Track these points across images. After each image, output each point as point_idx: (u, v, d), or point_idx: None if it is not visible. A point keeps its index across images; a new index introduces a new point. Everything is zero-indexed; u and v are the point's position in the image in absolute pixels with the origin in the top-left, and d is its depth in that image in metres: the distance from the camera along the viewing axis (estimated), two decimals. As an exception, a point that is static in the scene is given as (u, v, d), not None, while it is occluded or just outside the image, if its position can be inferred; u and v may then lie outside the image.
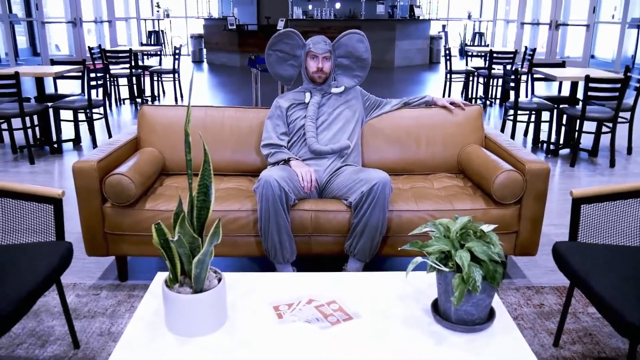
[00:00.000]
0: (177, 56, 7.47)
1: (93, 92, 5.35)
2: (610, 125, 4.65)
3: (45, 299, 2.44)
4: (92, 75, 5.00)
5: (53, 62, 5.55)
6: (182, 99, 7.85)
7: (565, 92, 5.66)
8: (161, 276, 1.80)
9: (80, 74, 5.31)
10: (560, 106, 5.02)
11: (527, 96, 5.46)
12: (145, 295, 1.69)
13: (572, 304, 2.43)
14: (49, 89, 5.93)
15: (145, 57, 11.89)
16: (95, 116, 5.63)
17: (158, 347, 1.43)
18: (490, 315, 1.53)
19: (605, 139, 5.31)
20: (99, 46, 7.19)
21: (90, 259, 2.86)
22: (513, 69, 5.24)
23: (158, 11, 15.13)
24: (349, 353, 1.42)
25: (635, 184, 2.09)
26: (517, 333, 1.50)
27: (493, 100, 7.66)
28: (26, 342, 2.13)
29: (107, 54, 7.05)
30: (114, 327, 2.23)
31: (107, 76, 5.26)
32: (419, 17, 12.87)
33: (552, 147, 5.08)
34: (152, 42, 12.95)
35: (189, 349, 1.43)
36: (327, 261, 2.81)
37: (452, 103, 2.99)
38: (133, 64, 7.17)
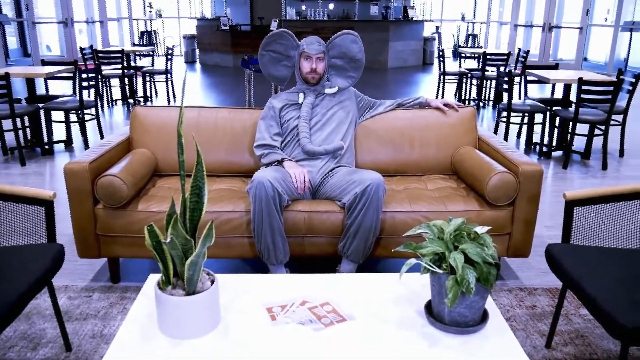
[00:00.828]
0: (169, 56, 7.44)
1: (85, 92, 5.32)
2: (603, 127, 4.68)
3: (37, 302, 2.42)
4: (84, 75, 4.97)
5: (44, 63, 5.51)
6: (174, 100, 7.82)
7: (558, 94, 5.69)
8: (154, 278, 1.78)
9: (71, 74, 5.28)
10: (553, 108, 5.05)
11: (520, 98, 5.49)
12: (137, 297, 1.68)
13: (564, 305, 2.44)
14: (40, 90, 5.89)
15: (137, 57, 11.84)
16: (87, 117, 5.60)
17: (151, 350, 1.42)
18: (484, 317, 1.53)
19: (597, 142, 5.34)
20: (91, 47, 7.15)
21: (82, 261, 2.84)
22: (506, 70, 5.26)
23: (150, 11, 15.08)
24: (343, 355, 1.42)
25: (628, 186, 2.10)
26: (510, 335, 1.50)
27: (486, 102, 7.70)
28: (18, 345, 2.11)
29: (99, 55, 7.01)
30: (106, 330, 2.21)
31: (99, 77, 5.22)
32: (412, 18, 12.90)
33: (544, 149, 5.11)
34: (145, 43, 12.91)
35: (181, 351, 1.42)
36: (320, 262, 2.81)
37: (445, 104, 3.00)
38: (125, 64, 7.13)
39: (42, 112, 4.98)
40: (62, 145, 5.25)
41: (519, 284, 2.66)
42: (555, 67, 5.79)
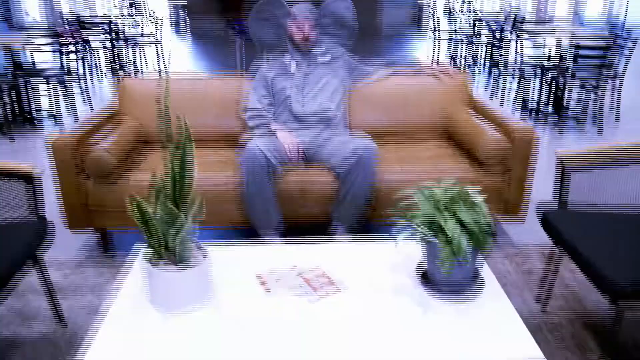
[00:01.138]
0: (159, 25, 7.28)
1: (73, 65, 5.20)
2: (599, 92, 4.63)
3: (31, 279, 2.39)
4: (72, 47, 4.84)
5: (27, 33, 5.35)
6: (164, 69, 7.68)
7: (554, 55, 5.60)
8: (144, 250, 1.75)
9: (54, 44, 5.11)
10: (547, 68, 4.98)
11: (515, 61, 5.41)
12: (130, 270, 1.66)
13: (560, 270, 2.44)
14: (27, 62, 5.74)
15: (125, 26, 11.57)
16: (75, 90, 5.48)
17: (144, 323, 1.41)
18: (479, 283, 1.52)
19: (593, 108, 5.29)
20: (77, 18, 6.97)
21: (74, 235, 2.81)
22: (501, 32, 5.17)
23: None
24: (338, 324, 1.40)
25: (620, 144, 2.07)
26: (505, 300, 1.49)
27: (480, 64, 7.58)
28: (12, 322, 2.10)
29: (86, 24, 6.84)
30: (100, 304, 2.20)
31: (86, 47, 5.10)
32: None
33: (540, 114, 5.06)
34: (133, 12, 12.61)
35: (174, 324, 1.41)
36: (313, 227, 2.79)
37: (440, 71, 2.93)
38: (113, 34, 6.97)
39: (28, 84, 4.86)
40: (50, 119, 5.16)
41: (514, 249, 2.66)
42: (549, 21, 5.66)
